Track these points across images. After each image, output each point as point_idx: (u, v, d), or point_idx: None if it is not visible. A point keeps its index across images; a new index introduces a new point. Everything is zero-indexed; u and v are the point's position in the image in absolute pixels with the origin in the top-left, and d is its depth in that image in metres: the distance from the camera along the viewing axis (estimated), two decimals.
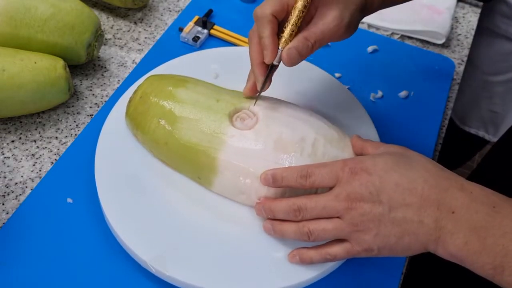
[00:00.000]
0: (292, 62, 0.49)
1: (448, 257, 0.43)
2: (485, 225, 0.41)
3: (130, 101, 0.58)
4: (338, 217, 0.46)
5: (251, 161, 0.52)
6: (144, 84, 0.58)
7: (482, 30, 0.95)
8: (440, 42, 0.79)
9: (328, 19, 0.48)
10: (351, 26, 0.50)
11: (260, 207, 0.51)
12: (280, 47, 0.50)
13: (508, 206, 0.42)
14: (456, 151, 1.21)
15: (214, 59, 0.68)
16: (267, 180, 0.50)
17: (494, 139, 1.10)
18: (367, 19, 0.81)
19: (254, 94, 0.54)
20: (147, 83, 0.58)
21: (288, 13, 0.49)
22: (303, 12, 0.49)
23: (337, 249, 0.47)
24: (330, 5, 0.49)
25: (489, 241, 0.41)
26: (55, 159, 0.61)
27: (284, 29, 0.49)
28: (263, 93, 0.54)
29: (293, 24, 0.49)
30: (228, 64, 0.67)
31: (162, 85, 0.57)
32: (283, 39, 0.49)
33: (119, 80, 0.70)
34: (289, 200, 0.48)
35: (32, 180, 0.59)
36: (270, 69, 0.51)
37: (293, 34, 0.49)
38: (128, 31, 0.76)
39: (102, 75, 0.70)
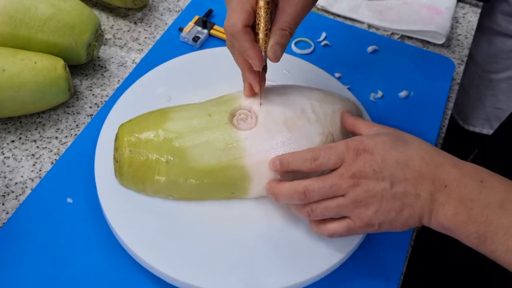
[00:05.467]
0: (278, 58, 0.50)
1: (439, 228, 0.47)
2: (472, 197, 0.45)
3: (117, 162, 0.53)
4: (341, 196, 0.47)
5: (275, 151, 0.52)
6: (123, 136, 0.53)
7: (483, 28, 0.95)
8: (440, 42, 0.79)
9: (293, 1, 0.48)
10: None
11: (267, 187, 0.52)
12: (262, 49, 0.50)
13: (494, 180, 0.46)
14: (460, 150, 1.21)
15: (213, 60, 0.68)
16: (275, 165, 0.51)
17: None
18: (367, 19, 0.81)
19: (253, 94, 0.55)
20: (125, 133, 0.54)
21: (255, 15, 0.49)
22: (268, 8, 0.48)
23: (337, 226, 0.49)
24: None
25: (475, 212, 0.44)
26: (55, 159, 0.61)
27: (258, 31, 0.49)
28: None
29: (264, 24, 0.49)
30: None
31: (145, 128, 0.54)
32: (261, 41, 0.49)
33: (119, 80, 0.70)
34: (292, 184, 0.49)
35: (32, 180, 0.59)
36: (262, 72, 0.52)
37: (268, 32, 0.49)
38: (128, 31, 0.76)
39: (102, 75, 0.70)
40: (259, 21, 0.49)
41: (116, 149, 0.54)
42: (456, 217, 0.45)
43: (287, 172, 0.51)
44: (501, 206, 0.43)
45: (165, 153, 0.52)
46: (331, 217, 0.49)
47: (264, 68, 0.52)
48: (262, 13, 0.48)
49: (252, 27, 0.49)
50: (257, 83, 0.53)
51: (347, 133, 0.57)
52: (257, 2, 0.48)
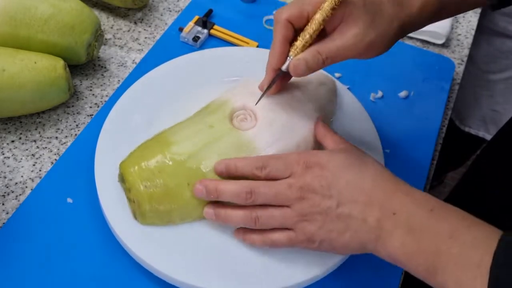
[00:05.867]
0: (298, 74, 0.48)
1: (386, 258, 0.44)
2: (420, 226, 0.42)
3: (134, 202, 0.51)
4: (287, 206, 0.47)
5: (285, 138, 0.53)
6: (131, 173, 0.51)
7: (482, 28, 0.95)
8: (440, 42, 0.79)
9: (346, 36, 0.46)
10: (376, 46, 0.48)
11: (202, 187, 0.49)
12: (290, 55, 0.48)
13: (445, 209, 0.43)
14: (456, 151, 1.21)
15: (213, 60, 0.68)
16: (219, 168, 0.50)
17: None
18: None
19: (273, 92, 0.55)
20: (132, 169, 0.51)
21: (307, 21, 0.48)
22: (321, 25, 0.47)
23: (279, 236, 0.48)
24: (354, 21, 0.46)
25: (423, 241, 0.42)
26: (55, 159, 0.61)
27: (299, 37, 0.48)
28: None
29: (308, 35, 0.47)
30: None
31: (151, 158, 0.51)
32: (294, 47, 0.48)
33: (119, 80, 0.70)
34: (240, 182, 0.48)
35: (32, 180, 0.59)
36: (277, 74, 0.51)
37: (307, 45, 0.48)
38: (128, 31, 0.76)
39: (102, 75, 0.70)
40: (305, 30, 0.48)
41: (128, 190, 0.52)
42: (404, 247, 0.42)
43: (233, 177, 0.50)
44: (451, 236, 0.41)
45: (183, 177, 0.51)
46: (275, 227, 0.48)
47: (279, 75, 0.51)
48: (312, 25, 0.47)
49: (297, 34, 0.48)
50: (266, 81, 0.52)
51: (333, 102, 0.58)
52: (315, 13, 0.47)
